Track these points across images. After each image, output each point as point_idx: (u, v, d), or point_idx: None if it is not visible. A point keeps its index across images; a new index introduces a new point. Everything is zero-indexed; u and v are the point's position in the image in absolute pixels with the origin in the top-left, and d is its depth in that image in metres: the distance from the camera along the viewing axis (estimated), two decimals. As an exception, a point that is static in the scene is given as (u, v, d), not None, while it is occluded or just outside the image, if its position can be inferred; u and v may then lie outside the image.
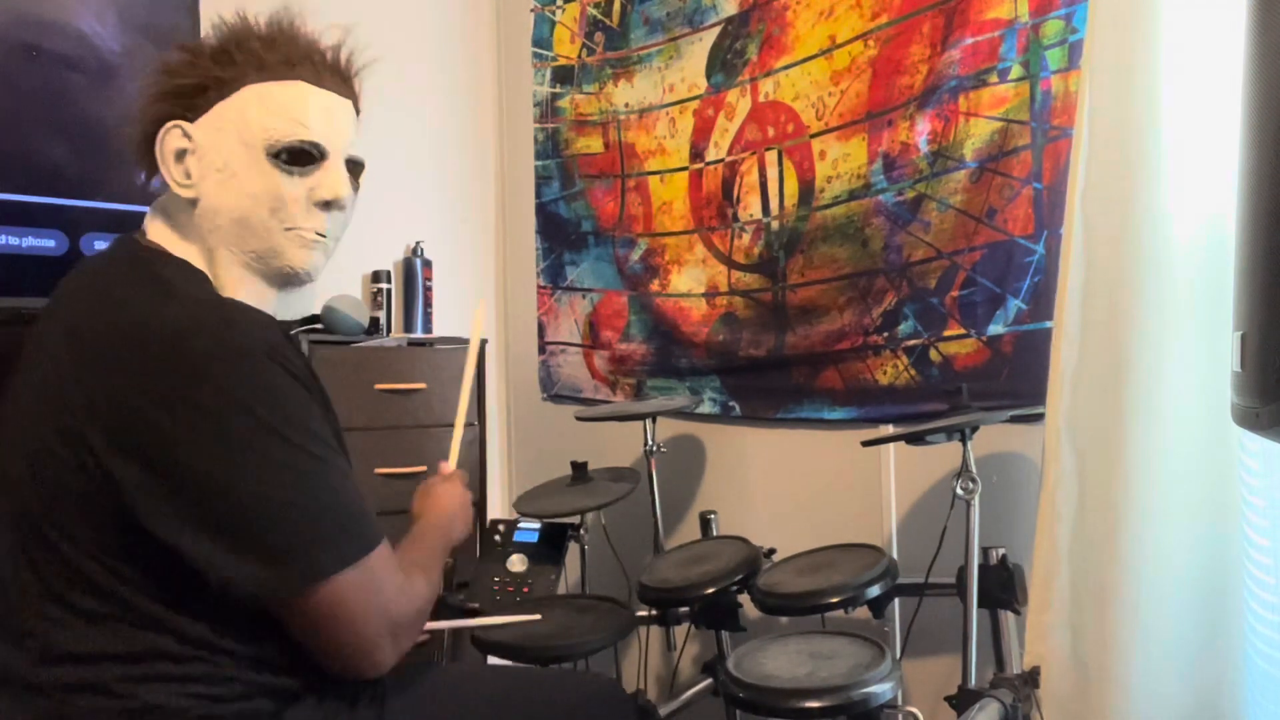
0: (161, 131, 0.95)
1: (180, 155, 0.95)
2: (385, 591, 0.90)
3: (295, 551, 0.84)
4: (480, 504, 2.32)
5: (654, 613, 1.75)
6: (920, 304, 1.80)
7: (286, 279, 1.01)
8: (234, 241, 0.97)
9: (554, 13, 2.60)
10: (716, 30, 2.18)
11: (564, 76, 2.57)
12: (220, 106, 0.95)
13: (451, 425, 1.32)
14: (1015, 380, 1.65)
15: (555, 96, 2.60)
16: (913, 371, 1.82)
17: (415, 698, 1.04)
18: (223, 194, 0.96)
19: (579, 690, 1.25)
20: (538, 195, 2.66)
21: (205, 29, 1.95)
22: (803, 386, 2.00)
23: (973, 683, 1.42)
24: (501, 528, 2.01)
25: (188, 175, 0.96)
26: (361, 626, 0.87)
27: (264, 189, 0.96)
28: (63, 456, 0.85)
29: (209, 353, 0.84)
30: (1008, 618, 1.51)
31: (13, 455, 0.90)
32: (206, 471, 0.83)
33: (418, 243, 2.55)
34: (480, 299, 1.42)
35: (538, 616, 1.58)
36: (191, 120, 0.95)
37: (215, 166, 0.95)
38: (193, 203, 0.96)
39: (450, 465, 1.27)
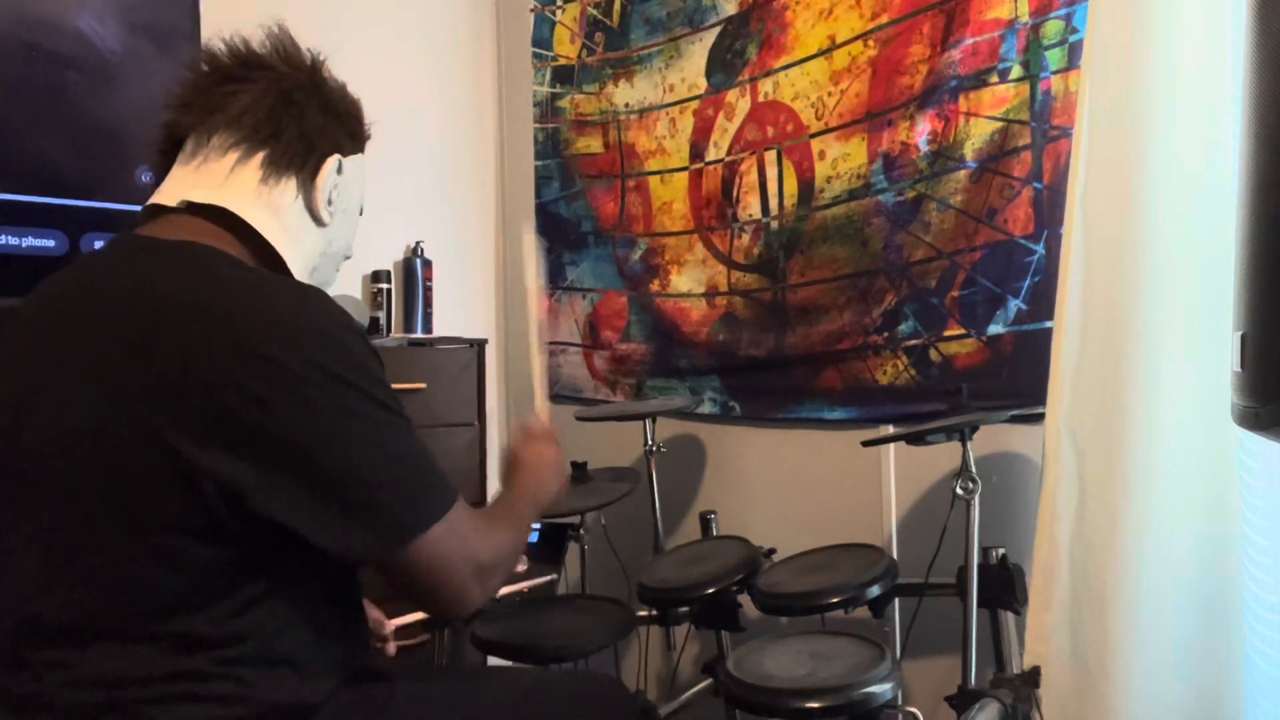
0: (332, 160, 1.06)
1: (332, 186, 1.07)
2: (471, 539, 0.95)
3: (396, 510, 0.88)
4: (480, 504, 2.32)
5: (654, 613, 1.75)
6: (920, 304, 1.80)
7: None
8: (327, 265, 1.11)
9: (554, 13, 2.60)
10: (716, 30, 2.18)
11: (564, 76, 2.57)
12: (358, 159, 1.12)
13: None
14: (1015, 380, 1.65)
15: (555, 96, 2.60)
16: (913, 371, 1.82)
17: (423, 704, 1.04)
18: (342, 229, 1.11)
19: (582, 689, 1.25)
20: (538, 195, 2.66)
21: (206, 29, 1.96)
22: (803, 386, 2.00)
23: (973, 683, 1.42)
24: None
25: (330, 203, 1.07)
26: (453, 574, 0.93)
27: (353, 235, 1.15)
28: (132, 446, 0.83)
29: (293, 323, 0.86)
30: (1008, 618, 1.51)
31: (42, 455, 0.87)
32: (303, 440, 0.84)
33: (418, 243, 2.55)
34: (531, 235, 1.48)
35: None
36: (344, 156, 1.08)
37: (343, 206, 1.09)
38: (320, 225, 1.07)
39: (541, 413, 1.30)
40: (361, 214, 1.16)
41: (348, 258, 1.16)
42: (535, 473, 1.18)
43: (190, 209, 0.99)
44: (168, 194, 1.00)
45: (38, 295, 0.98)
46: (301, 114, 1.03)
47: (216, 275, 0.91)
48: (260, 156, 1.00)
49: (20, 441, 0.88)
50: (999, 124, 1.67)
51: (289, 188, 1.02)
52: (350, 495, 0.86)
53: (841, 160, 1.92)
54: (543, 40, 2.63)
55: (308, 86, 1.05)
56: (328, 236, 1.08)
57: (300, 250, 1.04)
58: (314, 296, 0.91)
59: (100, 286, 0.93)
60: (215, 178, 0.99)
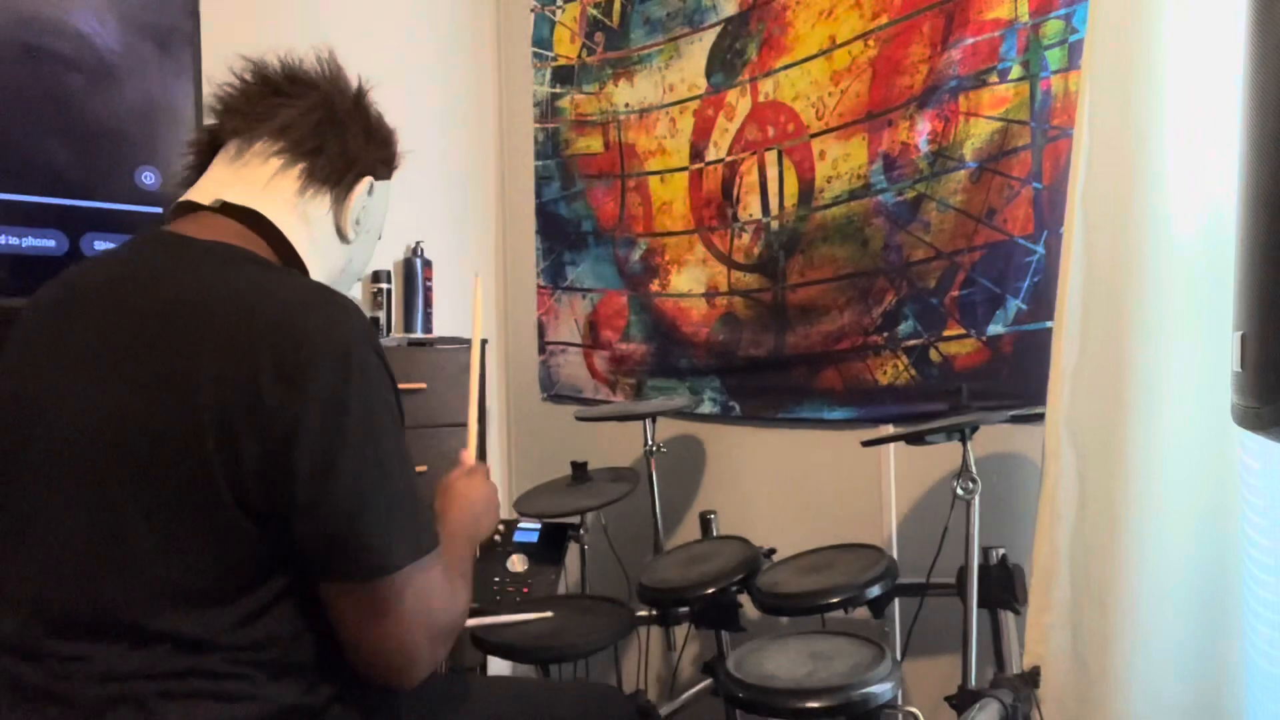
0: (366, 181, 1.09)
1: (362, 207, 1.09)
2: (437, 596, 0.92)
3: (376, 541, 0.86)
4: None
5: (654, 613, 1.75)
6: (920, 304, 1.80)
7: None
8: (344, 282, 1.12)
9: (554, 13, 2.60)
10: (716, 30, 2.18)
11: (564, 76, 2.57)
12: (386, 185, 1.15)
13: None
14: (1015, 380, 1.65)
15: (555, 96, 2.60)
16: (913, 371, 1.82)
17: (429, 710, 1.04)
18: (363, 250, 1.14)
19: (582, 699, 1.26)
20: (538, 195, 2.66)
21: (206, 29, 1.96)
22: (803, 386, 2.00)
23: (973, 683, 1.42)
24: (501, 528, 2.01)
25: (357, 223, 1.09)
26: (409, 627, 0.89)
27: (370, 258, 1.19)
28: (155, 441, 0.84)
29: (334, 340, 0.87)
30: (1008, 618, 1.51)
31: (64, 445, 0.87)
32: (315, 452, 0.83)
33: (418, 243, 2.55)
34: (477, 275, 1.46)
35: (549, 614, 1.58)
36: (375, 180, 1.11)
37: (367, 227, 1.12)
38: (345, 242, 1.09)
39: (470, 455, 1.26)
40: (380, 238, 1.19)
41: (359, 279, 1.18)
42: (470, 510, 1.14)
43: (225, 209, 1.00)
44: (204, 192, 1.02)
45: (62, 285, 0.98)
46: (344, 134, 1.06)
47: (259, 281, 0.92)
48: (300, 168, 1.03)
49: (42, 431, 0.89)
50: (999, 124, 1.67)
51: (323, 202, 1.05)
52: (337, 515, 0.85)
53: (841, 160, 1.92)
54: (543, 40, 2.63)
55: (352, 110, 1.09)
56: (349, 254, 1.10)
57: (324, 263, 1.06)
58: (353, 313, 0.92)
59: (134, 280, 0.93)
60: (255, 182, 1.02)
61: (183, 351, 0.85)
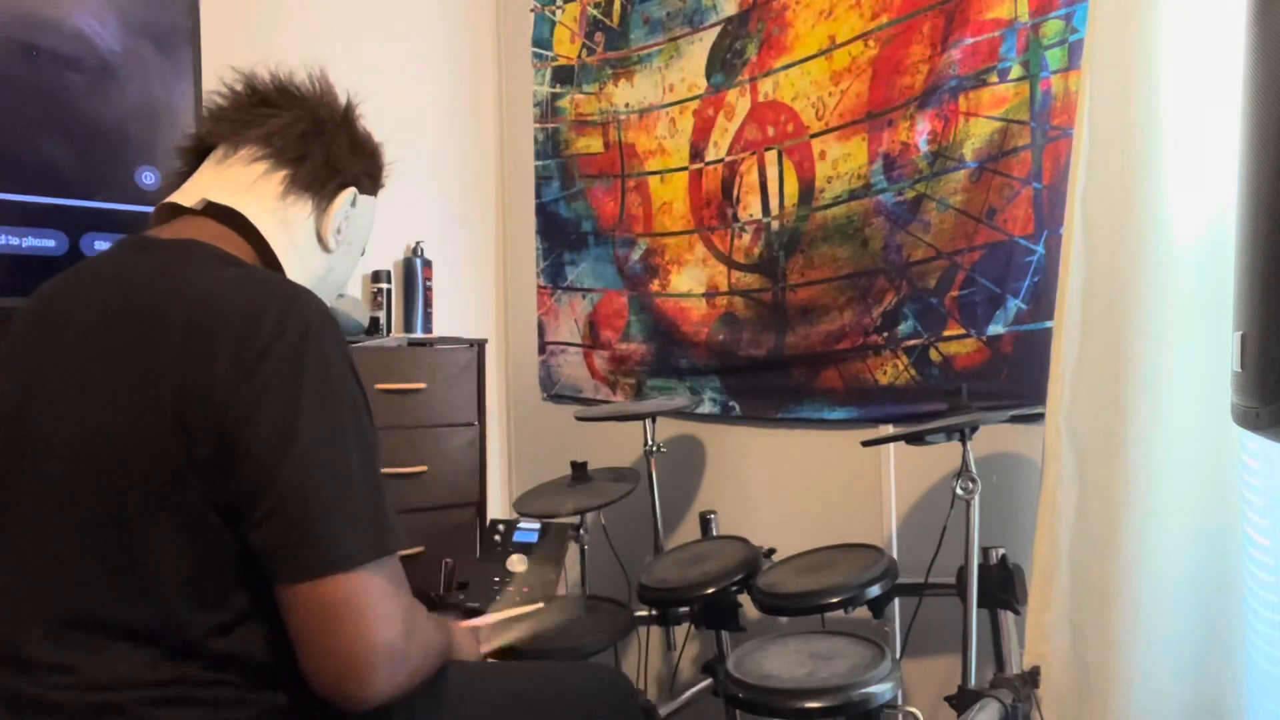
0: (348, 192, 1.11)
1: (344, 217, 1.11)
2: (395, 603, 0.86)
3: (325, 535, 0.83)
4: (480, 504, 2.33)
5: (654, 613, 1.75)
6: (920, 304, 1.80)
7: None
8: (323, 292, 1.11)
9: (554, 13, 2.60)
10: (716, 30, 2.18)
11: (564, 76, 2.57)
12: (371, 200, 1.17)
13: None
14: (1015, 380, 1.65)
15: (555, 96, 2.60)
16: (913, 371, 1.82)
17: (438, 699, 1.04)
18: (344, 261, 1.15)
19: (586, 681, 1.26)
20: (538, 195, 2.66)
21: (206, 29, 1.96)
22: (803, 386, 2.00)
23: (973, 683, 1.42)
24: (501, 528, 2.01)
25: (338, 232, 1.11)
26: (363, 633, 0.83)
27: (352, 271, 1.20)
28: (120, 447, 0.84)
29: (281, 328, 0.86)
30: (1008, 618, 1.51)
31: (43, 452, 0.88)
32: (267, 440, 0.82)
33: (418, 243, 2.55)
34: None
35: (540, 605, 1.57)
36: (359, 193, 1.14)
37: (349, 239, 1.14)
38: (325, 251, 1.11)
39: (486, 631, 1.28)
40: (364, 254, 1.21)
41: (341, 295, 1.18)
42: (457, 630, 1.16)
43: (207, 210, 1.02)
44: (187, 195, 1.04)
45: (40, 295, 0.99)
46: (329, 144, 1.08)
47: (221, 277, 0.92)
48: (283, 173, 1.05)
49: (23, 438, 0.90)
50: (999, 124, 1.67)
51: (304, 208, 1.07)
52: (283, 507, 0.82)
53: (842, 160, 1.92)
54: (543, 40, 2.63)
55: (339, 123, 1.11)
56: (329, 263, 1.12)
57: (303, 268, 1.07)
58: (314, 307, 0.91)
59: (103, 289, 0.94)
60: (238, 185, 1.03)
61: (144, 354, 0.86)
